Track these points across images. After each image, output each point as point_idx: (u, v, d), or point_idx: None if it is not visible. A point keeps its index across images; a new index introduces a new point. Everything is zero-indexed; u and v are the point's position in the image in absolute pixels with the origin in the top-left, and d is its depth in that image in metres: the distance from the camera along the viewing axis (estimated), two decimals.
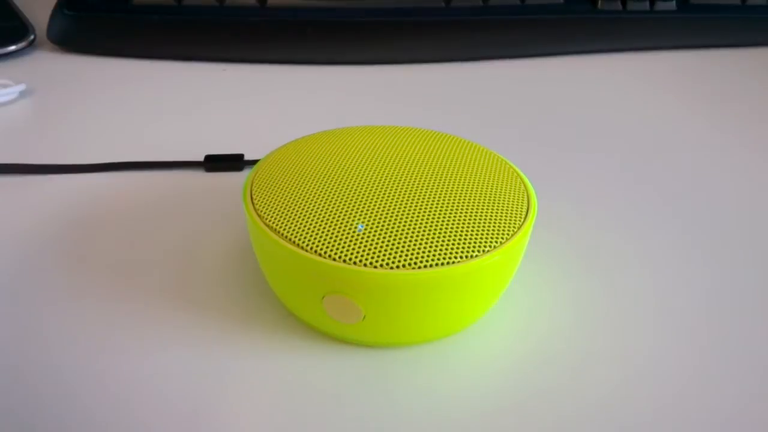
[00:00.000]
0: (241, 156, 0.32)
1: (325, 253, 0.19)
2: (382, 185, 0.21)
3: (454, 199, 0.21)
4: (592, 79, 0.45)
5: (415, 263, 0.19)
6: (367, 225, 0.19)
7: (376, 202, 0.20)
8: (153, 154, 0.33)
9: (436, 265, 0.19)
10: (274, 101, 0.40)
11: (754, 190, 0.32)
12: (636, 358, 0.22)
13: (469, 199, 0.21)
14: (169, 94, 0.40)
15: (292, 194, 0.21)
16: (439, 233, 0.19)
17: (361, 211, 0.20)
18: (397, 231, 0.19)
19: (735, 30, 0.52)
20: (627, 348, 0.22)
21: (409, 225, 0.20)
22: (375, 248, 0.19)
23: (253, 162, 0.32)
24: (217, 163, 0.32)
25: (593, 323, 0.23)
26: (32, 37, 0.45)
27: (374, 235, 0.19)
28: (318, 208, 0.20)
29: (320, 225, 0.20)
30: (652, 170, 0.33)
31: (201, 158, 0.32)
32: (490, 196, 0.21)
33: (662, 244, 0.27)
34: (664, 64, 0.49)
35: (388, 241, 0.19)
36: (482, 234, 0.20)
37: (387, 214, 0.20)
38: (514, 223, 0.21)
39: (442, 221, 0.20)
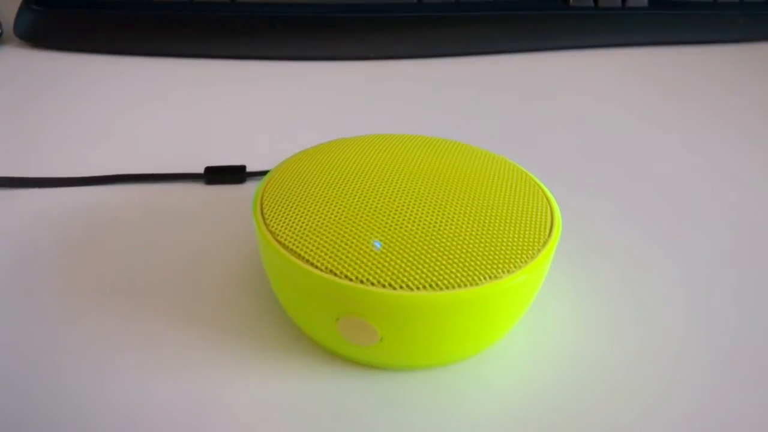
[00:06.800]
0: (243, 168, 0.31)
1: (341, 272, 0.18)
2: (400, 200, 0.20)
3: (475, 215, 0.20)
4: (564, 75, 0.46)
5: (436, 284, 0.18)
6: (384, 243, 0.19)
7: (393, 218, 0.20)
8: (139, 162, 0.32)
9: (458, 286, 0.18)
10: (254, 99, 0.39)
11: (736, 186, 0.32)
12: (663, 384, 0.21)
13: (491, 215, 0.20)
14: (144, 93, 0.39)
15: (304, 209, 0.20)
16: (461, 252, 0.19)
17: (379, 228, 0.19)
18: (416, 249, 0.19)
19: (706, 27, 0.53)
20: (654, 374, 0.21)
21: (429, 243, 0.19)
22: (393, 268, 0.18)
23: (255, 174, 0.31)
24: (219, 175, 0.30)
25: (618, 346, 0.22)
26: None
27: (392, 254, 0.18)
28: (333, 225, 0.19)
29: (335, 242, 0.19)
30: (632, 168, 0.33)
31: (193, 162, 0.32)
32: (512, 212, 0.21)
33: (678, 250, 0.27)
34: (636, 61, 0.49)
35: (407, 260, 0.18)
36: (506, 253, 0.19)
37: (405, 231, 0.19)
38: (538, 241, 0.20)
39: (464, 239, 0.19)
